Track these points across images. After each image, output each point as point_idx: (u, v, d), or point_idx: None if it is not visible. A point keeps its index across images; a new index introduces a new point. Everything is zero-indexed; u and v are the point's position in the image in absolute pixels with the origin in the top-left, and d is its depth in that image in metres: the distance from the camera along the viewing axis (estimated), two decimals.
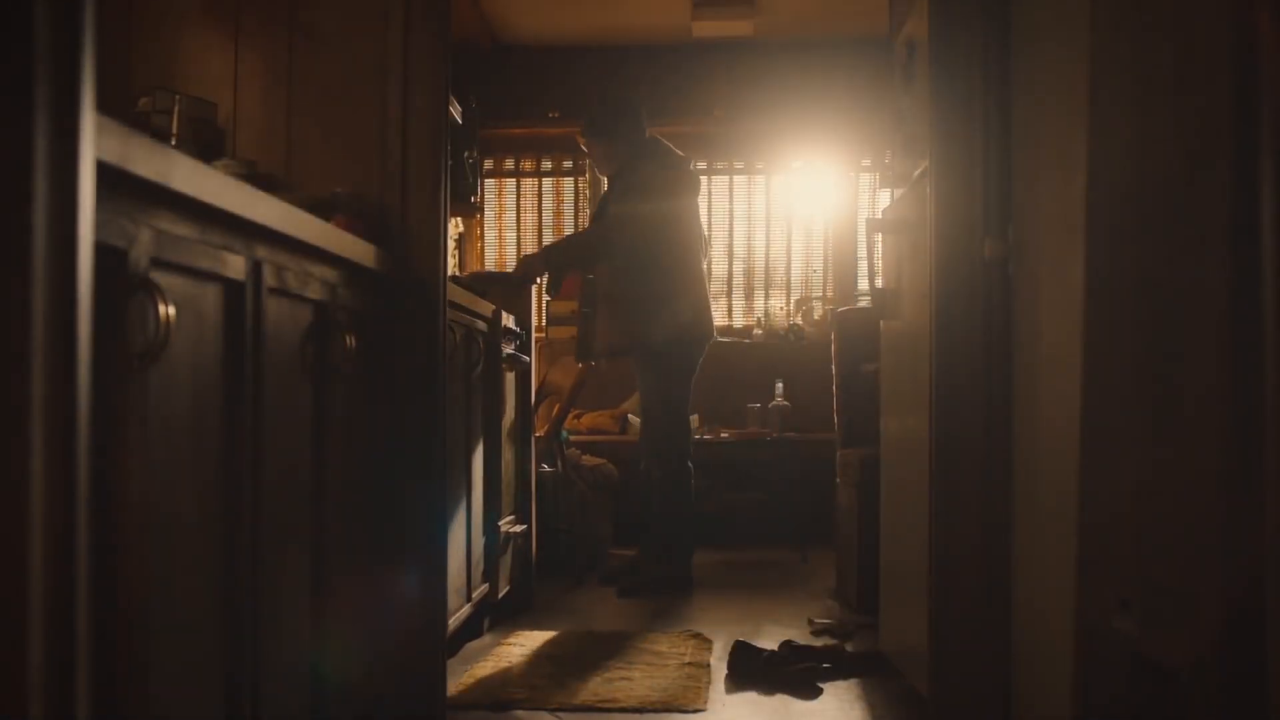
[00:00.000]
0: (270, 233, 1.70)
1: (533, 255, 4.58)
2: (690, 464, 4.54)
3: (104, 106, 1.02)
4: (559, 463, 4.86)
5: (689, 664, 3.15)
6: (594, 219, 4.63)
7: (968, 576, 2.42)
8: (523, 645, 3.42)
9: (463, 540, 3.13)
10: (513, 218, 6.68)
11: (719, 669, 3.13)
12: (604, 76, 6.39)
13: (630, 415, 5.97)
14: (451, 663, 3.02)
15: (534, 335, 4.48)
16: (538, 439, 4.52)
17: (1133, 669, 1.63)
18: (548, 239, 6.64)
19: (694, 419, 5.67)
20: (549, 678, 3.02)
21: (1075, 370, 1.88)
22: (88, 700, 1.01)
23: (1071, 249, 1.92)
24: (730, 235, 6.58)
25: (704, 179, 6.57)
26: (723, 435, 5.75)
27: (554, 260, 4.48)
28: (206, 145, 2.61)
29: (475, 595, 3.30)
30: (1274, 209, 1.25)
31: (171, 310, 1.27)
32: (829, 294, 6.52)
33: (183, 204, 1.39)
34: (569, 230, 6.59)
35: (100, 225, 1.12)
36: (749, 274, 6.59)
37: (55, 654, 0.95)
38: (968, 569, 2.43)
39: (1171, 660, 1.52)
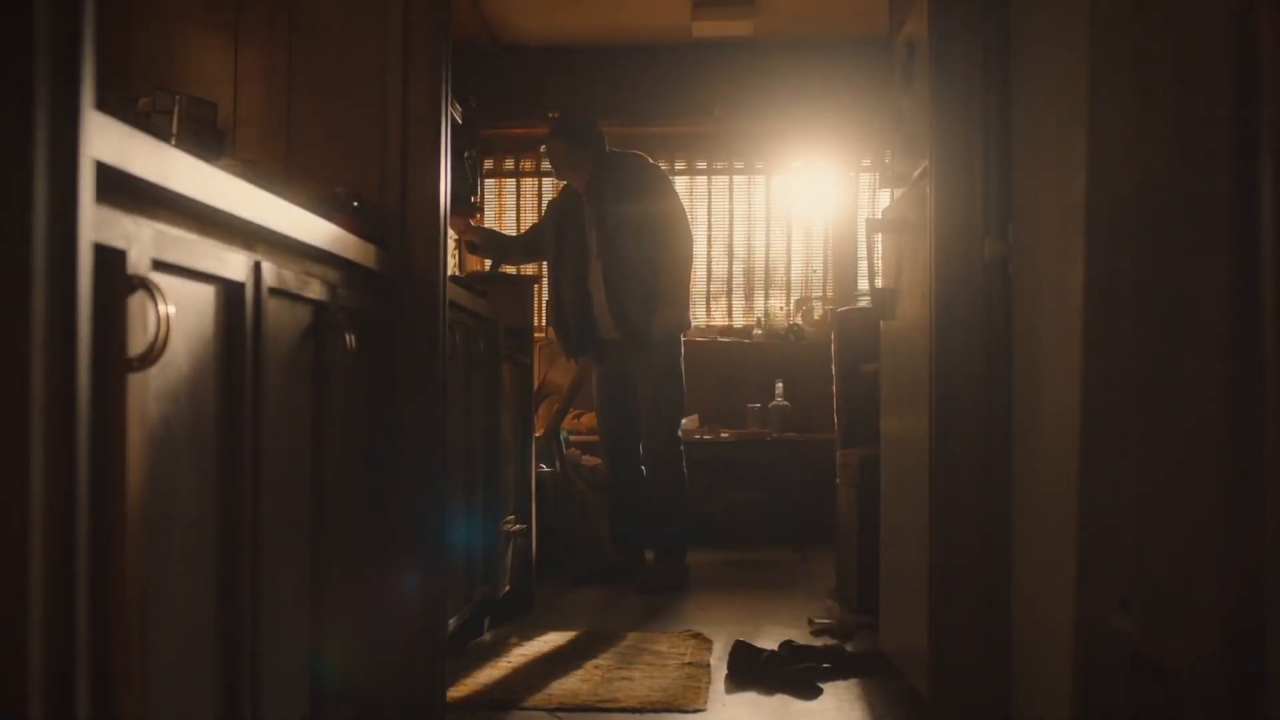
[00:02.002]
0: (270, 233, 1.70)
1: (482, 231, 5.02)
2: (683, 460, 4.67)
3: (104, 106, 1.02)
4: (558, 463, 4.86)
5: (689, 664, 3.15)
6: (597, 222, 4.62)
7: (968, 577, 2.42)
8: (523, 645, 3.42)
9: (463, 540, 3.13)
10: (513, 218, 6.68)
11: (719, 669, 3.12)
12: (604, 76, 6.39)
13: None
14: (451, 663, 3.02)
15: (534, 335, 4.49)
16: (537, 439, 4.52)
17: (1133, 669, 1.63)
18: None
19: (694, 418, 5.72)
20: (549, 678, 3.02)
21: (1075, 370, 1.88)
22: (88, 700, 1.01)
23: (1071, 249, 1.92)
24: (730, 235, 6.58)
25: (704, 179, 6.60)
26: (723, 435, 5.75)
27: (493, 249, 4.93)
28: (206, 145, 2.61)
29: (475, 595, 3.30)
30: (1274, 209, 1.25)
31: (171, 310, 1.27)
32: (829, 294, 6.52)
33: (183, 204, 1.39)
34: None
35: (100, 225, 1.12)
36: (749, 274, 6.59)
37: (55, 654, 0.95)
38: (968, 569, 2.42)
39: (1171, 660, 1.52)
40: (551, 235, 4.75)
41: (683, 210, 4.67)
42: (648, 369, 4.56)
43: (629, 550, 4.73)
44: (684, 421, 4.77)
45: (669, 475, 4.58)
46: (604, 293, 4.55)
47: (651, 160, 4.75)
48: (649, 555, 4.78)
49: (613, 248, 4.51)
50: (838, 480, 4.31)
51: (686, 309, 4.62)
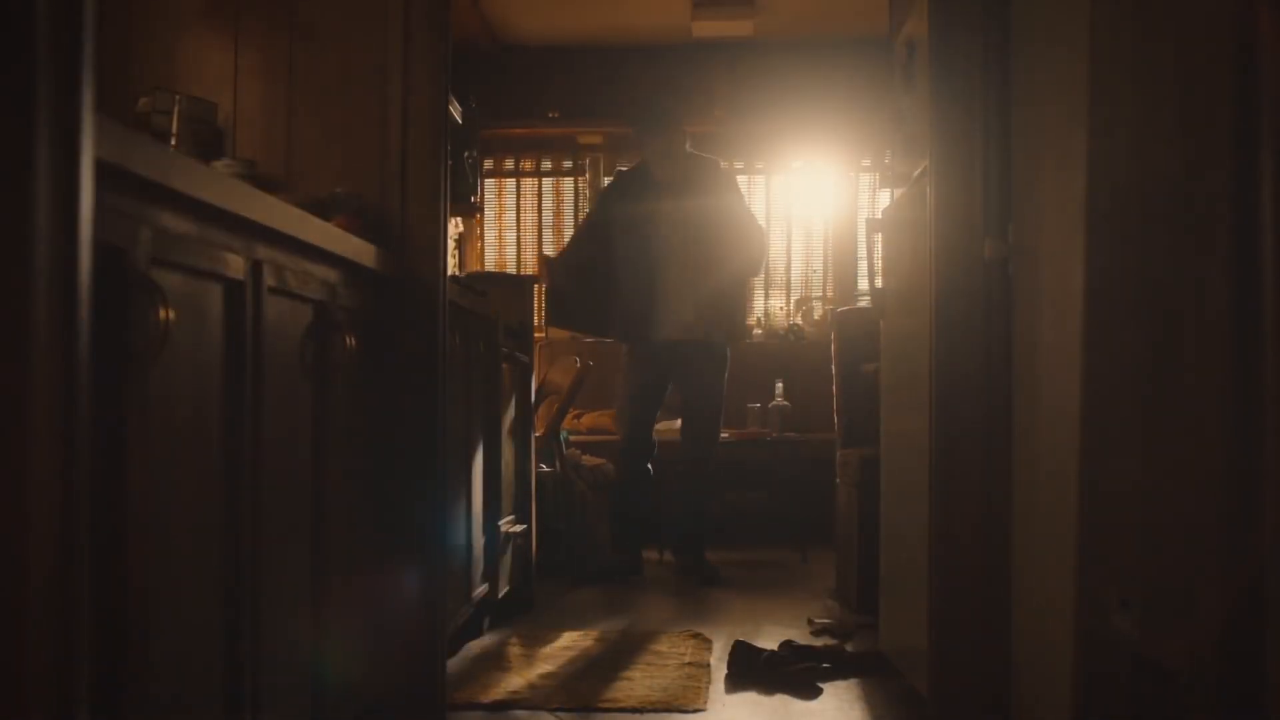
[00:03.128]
0: (270, 232, 1.70)
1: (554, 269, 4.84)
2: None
3: (104, 106, 1.02)
4: (558, 463, 4.86)
5: (689, 664, 3.15)
6: (679, 220, 4.63)
7: (968, 576, 2.42)
8: (523, 645, 3.42)
9: (463, 540, 3.13)
10: (513, 218, 6.68)
11: (719, 669, 3.12)
12: (604, 76, 6.39)
13: None
14: (451, 663, 3.02)
15: (534, 335, 4.49)
16: (537, 439, 4.52)
17: (1133, 669, 1.63)
18: (547, 239, 6.65)
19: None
20: (549, 678, 3.02)
21: (1075, 370, 1.88)
22: (88, 700, 1.01)
23: (1071, 249, 1.92)
24: None
25: None
26: (723, 435, 5.74)
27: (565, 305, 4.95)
28: (206, 145, 2.61)
29: (475, 595, 3.30)
30: (1274, 209, 1.25)
31: (171, 310, 1.27)
32: (829, 294, 6.52)
33: (183, 204, 1.39)
34: (568, 230, 6.62)
35: (100, 225, 1.12)
36: None
37: (55, 654, 0.95)
38: (968, 569, 2.42)
39: (1171, 660, 1.52)
40: (619, 230, 4.69)
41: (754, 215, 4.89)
42: (708, 371, 4.67)
43: (629, 550, 4.74)
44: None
45: (711, 479, 4.77)
46: (678, 290, 4.57)
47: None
48: (668, 555, 4.87)
49: (698, 248, 4.57)
50: (838, 480, 4.31)
51: (715, 315, 4.72)
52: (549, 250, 6.44)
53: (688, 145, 4.73)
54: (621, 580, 4.64)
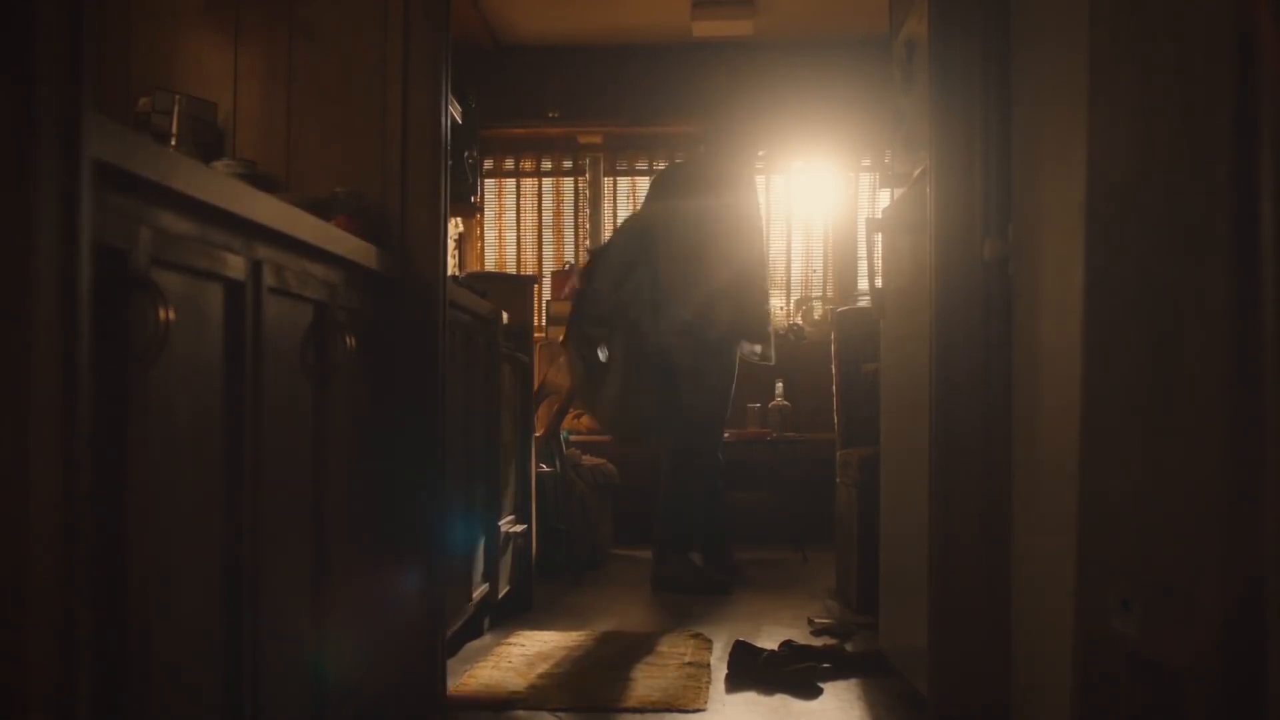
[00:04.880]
0: (270, 232, 1.70)
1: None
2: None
3: (104, 106, 1.02)
4: (558, 463, 4.86)
5: (689, 664, 3.15)
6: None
7: (968, 576, 2.42)
8: (523, 645, 3.42)
9: (463, 540, 3.13)
10: (513, 218, 6.68)
11: (719, 669, 3.12)
12: (604, 76, 6.39)
13: None
14: (451, 663, 3.02)
15: (534, 335, 4.49)
16: (537, 439, 4.52)
17: (1133, 669, 1.63)
18: (548, 239, 6.66)
19: None
20: (549, 678, 3.02)
21: (1075, 370, 1.88)
22: (88, 699, 1.01)
23: (1071, 249, 1.92)
24: None
25: None
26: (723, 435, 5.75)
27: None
28: (206, 145, 2.61)
29: (475, 595, 3.30)
30: (1274, 208, 1.25)
31: (171, 310, 1.27)
32: (829, 294, 6.51)
33: (183, 204, 1.39)
34: (568, 230, 6.62)
35: (100, 225, 1.12)
36: None
37: (55, 654, 0.95)
38: (968, 569, 2.42)
39: (1171, 660, 1.52)
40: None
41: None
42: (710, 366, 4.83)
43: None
44: None
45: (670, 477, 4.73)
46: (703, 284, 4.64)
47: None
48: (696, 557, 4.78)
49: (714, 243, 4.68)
50: (838, 480, 4.31)
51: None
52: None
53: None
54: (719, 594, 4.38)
